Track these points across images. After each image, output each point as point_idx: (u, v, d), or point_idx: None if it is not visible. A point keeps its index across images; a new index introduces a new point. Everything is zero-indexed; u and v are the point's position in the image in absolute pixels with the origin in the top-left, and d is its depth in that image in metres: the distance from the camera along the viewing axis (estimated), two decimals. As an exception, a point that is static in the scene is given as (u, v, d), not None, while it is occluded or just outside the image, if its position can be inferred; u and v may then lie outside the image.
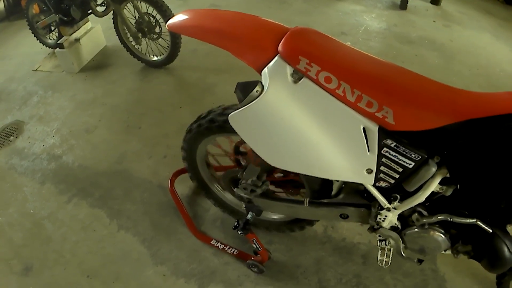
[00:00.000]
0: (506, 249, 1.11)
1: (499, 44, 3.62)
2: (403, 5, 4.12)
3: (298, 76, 1.05)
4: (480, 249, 1.19)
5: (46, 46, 3.44)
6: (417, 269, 1.69)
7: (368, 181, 1.16)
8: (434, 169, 1.05)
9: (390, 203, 1.22)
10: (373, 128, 1.03)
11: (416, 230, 1.23)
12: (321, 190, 1.40)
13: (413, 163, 1.06)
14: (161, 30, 2.89)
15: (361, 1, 4.32)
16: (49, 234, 1.90)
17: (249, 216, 1.56)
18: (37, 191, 2.14)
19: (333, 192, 1.39)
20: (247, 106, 1.13)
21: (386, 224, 1.29)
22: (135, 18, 2.86)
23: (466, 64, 3.23)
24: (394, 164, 1.08)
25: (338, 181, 1.36)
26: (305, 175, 1.24)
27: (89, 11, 2.97)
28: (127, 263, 1.76)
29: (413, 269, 1.69)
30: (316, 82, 1.03)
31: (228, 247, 1.76)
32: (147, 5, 2.75)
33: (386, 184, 1.14)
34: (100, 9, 2.93)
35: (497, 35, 3.76)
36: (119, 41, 3.09)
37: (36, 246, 1.85)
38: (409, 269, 1.69)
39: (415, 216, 1.21)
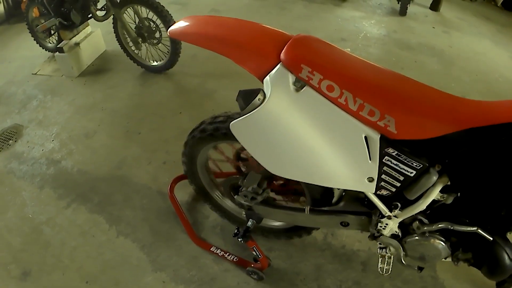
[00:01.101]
0: (506, 257, 1.11)
1: (498, 50, 3.64)
2: (403, 11, 4.14)
3: (300, 84, 1.05)
4: (480, 256, 1.19)
5: (46, 50, 3.43)
6: (416, 276, 1.68)
7: (369, 190, 1.16)
8: (435, 178, 1.06)
9: (391, 211, 1.22)
10: (375, 137, 1.03)
11: (416, 238, 1.23)
12: (322, 198, 1.40)
13: (414, 172, 1.06)
14: (161, 35, 2.89)
15: (361, 7, 4.35)
16: (47, 239, 1.89)
17: (249, 223, 1.55)
18: (36, 195, 2.13)
19: (334, 200, 1.39)
20: (248, 114, 1.13)
21: (386, 232, 1.29)
22: (135, 23, 2.87)
23: (465, 70, 3.24)
24: (395, 173, 1.08)
25: (339, 189, 1.36)
26: (306, 183, 1.24)
27: (89, 16, 2.97)
28: (126, 269, 1.75)
29: (412, 276, 1.69)
30: (318, 91, 1.03)
31: (228, 254, 1.76)
32: (147, 10, 2.75)
33: (387, 192, 1.14)
34: (100, 13, 2.94)
35: (496, 41, 3.79)
36: (119, 45, 3.09)
37: (34, 251, 1.84)
38: (409, 276, 1.69)
39: (415, 224, 1.21)
